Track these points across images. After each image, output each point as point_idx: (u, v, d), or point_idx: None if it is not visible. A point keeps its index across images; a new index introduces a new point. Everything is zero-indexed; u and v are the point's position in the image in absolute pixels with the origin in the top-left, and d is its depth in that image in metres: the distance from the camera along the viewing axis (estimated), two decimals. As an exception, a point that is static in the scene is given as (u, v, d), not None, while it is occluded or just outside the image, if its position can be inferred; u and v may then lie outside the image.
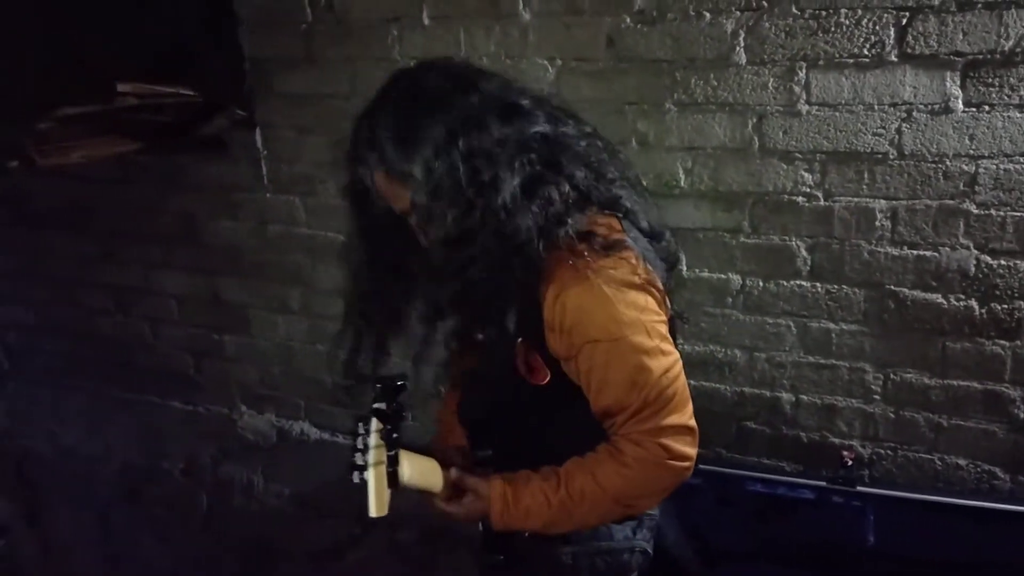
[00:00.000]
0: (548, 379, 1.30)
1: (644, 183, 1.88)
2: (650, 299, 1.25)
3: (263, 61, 2.24)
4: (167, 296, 2.62)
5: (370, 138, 1.24)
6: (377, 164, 1.23)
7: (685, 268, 1.95)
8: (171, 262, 2.57)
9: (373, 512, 1.22)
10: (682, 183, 1.89)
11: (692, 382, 2.00)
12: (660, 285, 1.27)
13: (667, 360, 1.24)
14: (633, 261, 1.25)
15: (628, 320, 1.21)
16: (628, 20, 1.82)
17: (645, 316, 1.23)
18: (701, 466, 2.01)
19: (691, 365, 2.01)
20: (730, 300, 1.94)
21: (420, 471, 1.29)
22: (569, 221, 1.23)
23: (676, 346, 1.30)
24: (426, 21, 2.01)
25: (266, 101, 2.27)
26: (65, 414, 2.96)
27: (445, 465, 1.34)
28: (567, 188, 1.25)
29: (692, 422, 1.26)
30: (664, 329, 1.26)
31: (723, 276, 1.93)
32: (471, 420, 1.47)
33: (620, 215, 1.32)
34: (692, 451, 1.25)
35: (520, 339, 1.27)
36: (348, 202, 1.34)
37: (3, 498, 3.24)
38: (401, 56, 2.05)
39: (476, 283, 1.22)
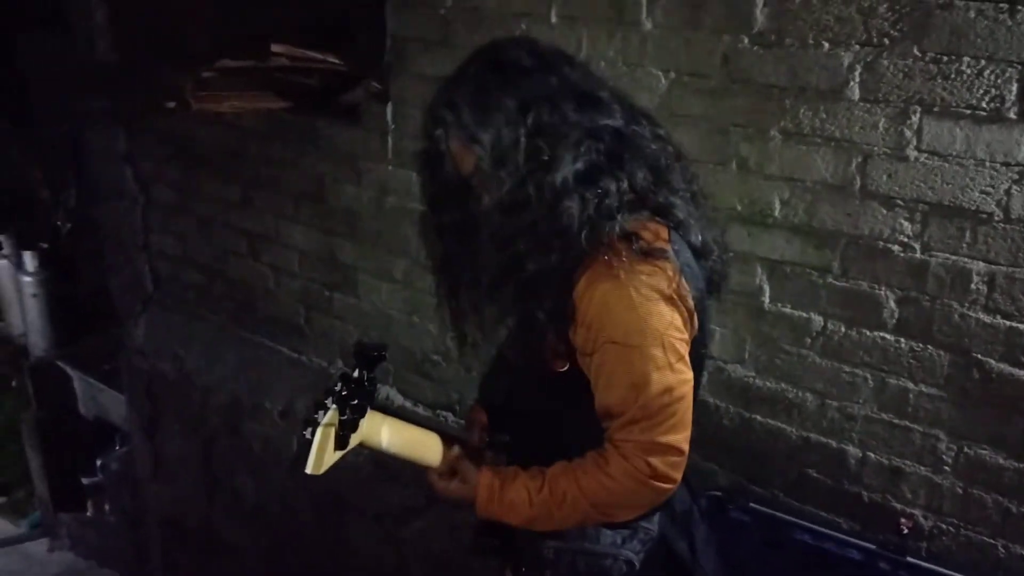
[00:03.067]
0: (566, 368, 1.33)
1: (737, 207, 1.88)
2: (676, 314, 1.25)
3: (403, 40, 2.35)
4: (291, 248, 2.80)
5: (449, 100, 1.30)
6: (453, 125, 1.29)
7: (768, 300, 1.90)
8: (298, 217, 2.74)
9: (309, 468, 1.26)
10: (776, 213, 1.84)
11: (757, 417, 1.97)
12: (691, 303, 1.27)
13: (675, 378, 1.24)
14: (670, 273, 1.26)
15: (648, 329, 1.23)
16: (746, 40, 1.79)
17: (666, 329, 1.24)
18: (753, 505, 1.98)
19: (759, 400, 1.97)
20: (809, 341, 1.87)
21: (407, 440, 1.34)
22: (618, 218, 1.25)
23: (695, 367, 1.29)
24: (553, 19, 2.06)
25: (400, 78, 2.38)
26: (191, 342, 3.21)
27: (451, 443, 1.38)
28: (625, 185, 1.27)
29: (685, 446, 1.26)
30: (683, 348, 1.26)
31: (805, 315, 1.87)
32: (491, 403, 1.51)
33: (671, 224, 1.32)
34: (677, 474, 1.26)
35: (551, 322, 1.29)
36: (422, 165, 1.40)
37: (131, 409, 3.56)
38: (524, 51, 2.10)
39: (518, 257, 1.27)
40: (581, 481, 1.29)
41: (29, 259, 4.60)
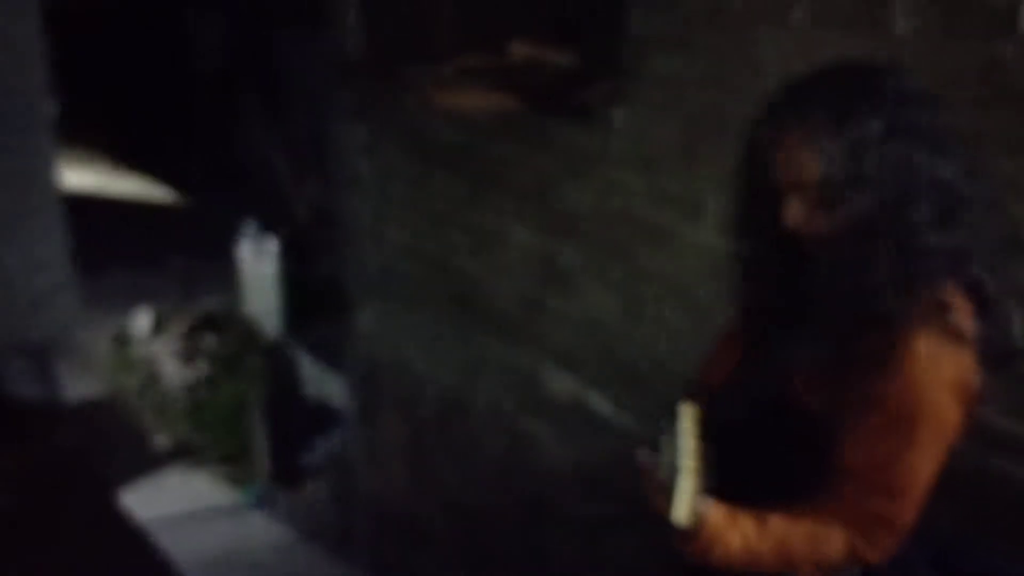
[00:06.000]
0: (816, 406, 1.27)
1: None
2: (961, 413, 1.22)
3: (641, 41, 2.30)
4: (512, 246, 2.83)
5: (801, 102, 1.25)
6: (798, 125, 1.23)
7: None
8: (521, 215, 2.76)
9: (682, 518, 1.18)
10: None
11: (995, 461, 1.73)
12: (976, 397, 1.22)
13: (931, 467, 1.23)
14: (970, 367, 1.21)
15: (932, 416, 1.20)
16: (1010, 47, 1.59)
17: (951, 419, 1.21)
18: (983, 558, 1.76)
19: (999, 443, 1.74)
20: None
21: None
22: (943, 281, 1.21)
23: None
24: (798, 22, 1.94)
25: (635, 79, 2.33)
26: (410, 333, 3.32)
27: None
28: (952, 247, 1.21)
29: (910, 525, 1.24)
30: (954, 438, 1.23)
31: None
32: (719, 418, 1.42)
33: (976, 303, 1.24)
34: (890, 552, 1.25)
35: (828, 352, 1.25)
36: (741, 168, 1.36)
37: (350, 394, 3.74)
38: (764, 56, 2.00)
39: (851, 282, 1.22)
40: (792, 534, 1.27)
41: (270, 245, 4.98)
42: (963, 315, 1.21)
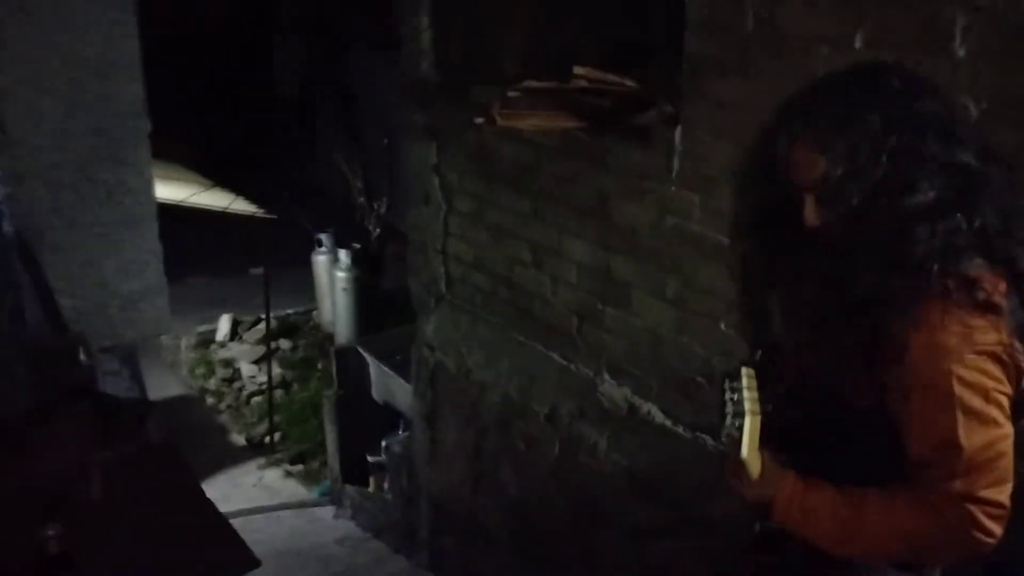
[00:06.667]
0: (871, 405, 1.30)
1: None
2: (1003, 372, 1.23)
3: (698, 63, 2.41)
4: (571, 260, 2.95)
5: (806, 107, 1.33)
6: (803, 129, 1.30)
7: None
8: (580, 231, 2.88)
9: (744, 452, 1.28)
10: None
11: None
12: (1021, 363, 1.23)
13: (997, 432, 1.22)
14: (1004, 335, 1.22)
15: (972, 381, 1.21)
16: None
17: (991, 383, 1.21)
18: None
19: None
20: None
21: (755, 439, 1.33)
22: (963, 260, 1.22)
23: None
24: (858, 44, 2.02)
25: (693, 102, 2.44)
26: (473, 341, 3.46)
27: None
28: (976, 226, 1.24)
29: (1007, 500, 1.22)
30: (1005, 401, 1.23)
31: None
32: (775, 422, 1.48)
33: (1009, 279, 1.27)
34: (998, 529, 1.22)
35: (868, 353, 1.27)
36: (746, 173, 1.45)
37: (415, 397, 3.89)
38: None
39: (855, 275, 1.26)
40: (896, 511, 1.27)
41: (343, 257, 5.18)
42: (994, 290, 1.22)
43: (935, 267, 1.20)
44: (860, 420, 1.32)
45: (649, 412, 2.76)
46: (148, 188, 4.72)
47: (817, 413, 1.40)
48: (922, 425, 1.23)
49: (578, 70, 2.62)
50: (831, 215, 1.28)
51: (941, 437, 1.21)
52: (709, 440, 2.59)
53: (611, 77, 2.61)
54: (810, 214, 1.32)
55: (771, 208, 1.39)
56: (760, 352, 1.46)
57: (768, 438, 1.42)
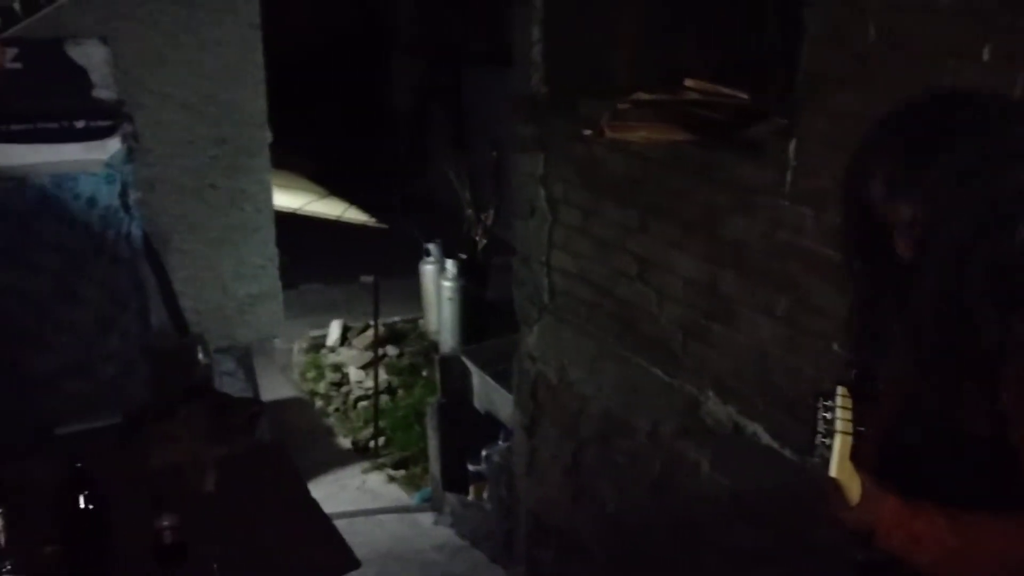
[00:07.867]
0: (989, 434, 1.26)
1: None
2: None
3: (816, 76, 2.34)
4: (676, 274, 2.91)
5: (878, 145, 1.29)
6: (878, 171, 1.27)
7: None
8: (687, 245, 2.84)
9: (833, 471, 1.26)
10: None
11: None
12: None
13: None
14: None
15: None
16: None
17: None
18: None
19: None
20: None
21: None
22: None
23: None
24: (986, 57, 1.93)
25: (808, 115, 2.37)
26: (575, 354, 3.46)
27: None
28: None
29: None
30: None
31: None
32: (886, 445, 1.42)
33: None
34: None
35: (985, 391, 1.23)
36: (845, 204, 1.39)
37: (516, 408, 3.91)
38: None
39: (970, 316, 1.21)
40: (1010, 540, 1.22)
41: (450, 267, 5.27)
42: None
43: None
44: (975, 446, 1.27)
45: (755, 433, 2.69)
46: (267, 196, 4.92)
47: (928, 438, 1.35)
48: None
49: (689, 83, 2.59)
50: (928, 258, 1.24)
51: None
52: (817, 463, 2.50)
53: (723, 89, 2.58)
54: (905, 252, 1.28)
55: (875, 232, 1.34)
56: (855, 372, 1.42)
57: (872, 462, 1.38)
